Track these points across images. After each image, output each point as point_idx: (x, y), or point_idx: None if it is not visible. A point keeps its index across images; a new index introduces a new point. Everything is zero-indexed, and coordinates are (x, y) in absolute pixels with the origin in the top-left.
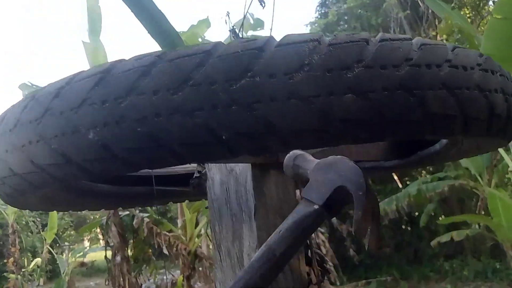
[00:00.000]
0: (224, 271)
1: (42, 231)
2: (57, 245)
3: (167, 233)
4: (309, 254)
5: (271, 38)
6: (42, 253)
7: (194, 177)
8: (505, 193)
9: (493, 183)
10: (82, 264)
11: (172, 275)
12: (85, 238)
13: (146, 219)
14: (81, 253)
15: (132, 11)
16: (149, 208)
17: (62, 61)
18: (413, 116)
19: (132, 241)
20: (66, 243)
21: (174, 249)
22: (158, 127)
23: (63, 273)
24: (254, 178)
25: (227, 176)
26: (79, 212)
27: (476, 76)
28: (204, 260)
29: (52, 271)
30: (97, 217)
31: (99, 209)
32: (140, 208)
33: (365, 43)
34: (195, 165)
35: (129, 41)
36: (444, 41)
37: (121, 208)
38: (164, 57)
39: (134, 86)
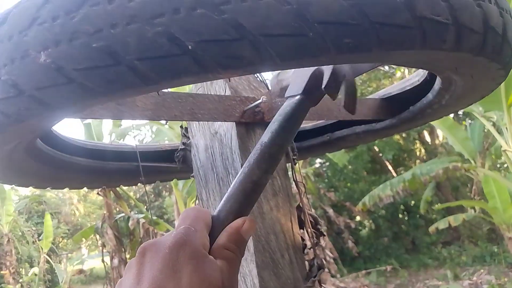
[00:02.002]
0: None
1: (38, 240)
2: (54, 254)
3: (164, 233)
4: (302, 217)
5: None
6: (39, 262)
7: (179, 149)
8: (499, 175)
9: (487, 167)
10: (81, 271)
11: None
12: (83, 246)
13: (142, 220)
14: (79, 261)
15: None
16: (144, 209)
17: None
18: (400, 19)
19: (128, 242)
20: (64, 252)
21: None
22: (115, 40)
23: (62, 281)
24: (239, 137)
25: (211, 140)
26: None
27: None
28: None
29: (50, 281)
30: (94, 223)
31: (82, 187)
32: (135, 210)
33: None
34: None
35: None
36: None
37: (104, 186)
38: None
39: None
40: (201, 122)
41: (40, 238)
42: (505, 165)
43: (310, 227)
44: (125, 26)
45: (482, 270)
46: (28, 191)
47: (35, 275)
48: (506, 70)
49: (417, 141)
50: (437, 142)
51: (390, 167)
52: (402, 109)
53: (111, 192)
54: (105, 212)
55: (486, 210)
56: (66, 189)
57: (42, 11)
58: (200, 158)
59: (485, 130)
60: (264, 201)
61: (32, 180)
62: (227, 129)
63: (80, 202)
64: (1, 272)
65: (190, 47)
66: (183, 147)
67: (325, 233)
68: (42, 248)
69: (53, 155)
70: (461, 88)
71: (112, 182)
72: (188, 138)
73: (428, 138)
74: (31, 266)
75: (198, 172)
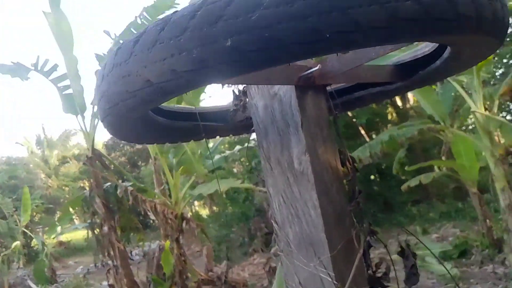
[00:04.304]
0: (275, 177)
1: (16, 214)
2: (29, 228)
3: (153, 200)
4: (342, 157)
5: None
6: (17, 236)
7: (231, 110)
8: (469, 134)
9: (455, 127)
10: (61, 243)
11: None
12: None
13: (130, 188)
14: (58, 232)
15: None
16: (131, 177)
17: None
18: (446, 15)
19: (117, 210)
20: (40, 226)
21: (161, 214)
22: (281, 31)
23: (44, 253)
24: (297, 96)
25: (271, 100)
26: (48, 194)
27: None
28: (191, 222)
29: (27, 255)
30: (67, 198)
31: (158, 142)
32: (122, 178)
33: None
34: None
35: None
36: None
37: (173, 142)
38: None
39: (261, 2)
40: (260, 86)
41: (16, 211)
42: (471, 126)
43: (349, 164)
44: (287, 22)
45: (448, 225)
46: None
47: (16, 248)
48: (500, 42)
49: (389, 106)
50: (408, 106)
51: (363, 131)
52: (413, 73)
53: (97, 161)
54: (93, 181)
55: (453, 170)
56: (40, 163)
57: (226, 11)
58: (259, 115)
59: (454, 94)
60: (318, 145)
61: (132, 137)
62: (286, 91)
63: (51, 177)
64: None
65: (327, 35)
66: (235, 108)
67: (359, 169)
68: (20, 222)
69: (154, 117)
70: (465, 57)
71: (179, 138)
72: (240, 100)
73: (399, 102)
74: (14, 240)
75: (258, 126)
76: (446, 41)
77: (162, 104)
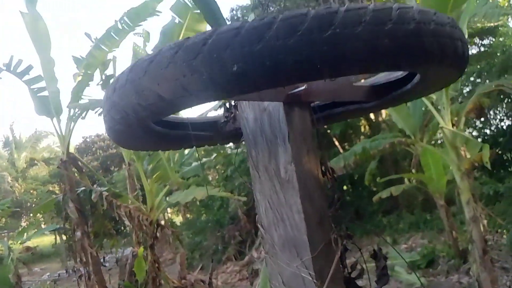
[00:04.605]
0: (263, 183)
1: None
2: None
3: (128, 205)
4: (323, 168)
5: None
6: None
7: (222, 121)
8: (435, 148)
9: (425, 141)
10: (28, 249)
11: (132, 247)
12: (23, 224)
13: (105, 193)
14: (24, 237)
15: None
16: (106, 182)
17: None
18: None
19: (90, 216)
20: (5, 230)
21: (136, 220)
22: (279, 60)
23: (9, 259)
24: (285, 111)
25: (261, 114)
26: (15, 197)
27: (447, 30)
28: (166, 229)
29: None
30: (34, 201)
31: (156, 149)
32: (94, 182)
33: (391, 9)
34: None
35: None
36: None
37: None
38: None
39: (264, 36)
40: (250, 101)
41: None
42: (440, 141)
43: (329, 173)
44: (282, 55)
45: (416, 235)
46: None
47: None
48: (461, 72)
49: (362, 118)
50: (380, 119)
51: (336, 142)
52: (387, 93)
53: (71, 165)
54: (66, 185)
55: (421, 182)
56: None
57: (234, 41)
58: (249, 126)
59: (424, 108)
60: (302, 155)
61: (135, 144)
62: (275, 106)
63: (18, 180)
64: None
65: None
66: (225, 119)
67: (337, 179)
68: None
69: (153, 127)
70: (432, 82)
71: (174, 146)
72: (232, 112)
73: (372, 116)
74: None
75: (248, 137)
76: (414, 71)
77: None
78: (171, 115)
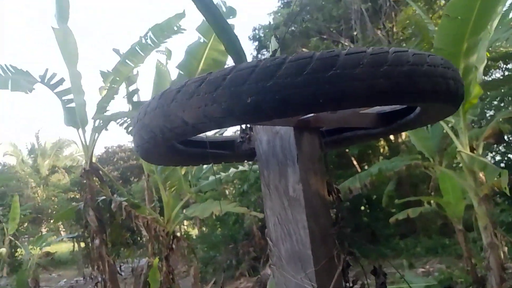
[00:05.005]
0: (273, 200)
1: (4, 221)
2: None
3: (146, 216)
4: (329, 188)
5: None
6: (3, 244)
7: (238, 141)
8: (454, 172)
9: (444, 165)
10: (47, 254)
11: (149, 258)
12: (43, 231)
13: (124, 203)
14: (44, 243)
15: (215, 32)
16: (125, 192)
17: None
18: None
19: (109, 225)
20: (26, 236)
21: (153, 231)
22: (288, 95)
23: (29, 263)
24: (295, 136)
25: (273, 137)
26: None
27: (440, 70)
28: (181, 241)
29: (10, 264)
30: (54, 208)
31: (178, 165)
32: (114, 192)
33: (387, 53)
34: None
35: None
36: (400, 33)
37: (188, 165)
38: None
39: (275, 74)
40: (264, 125)
41: (4, 219)
42: (460, 165)
43: (334, 194)
44: (290, 90)
45: (434, 260)
46: None
47: (1, 256)
48: (456, 107)
49: (382, 139)
50: (400, 140)
51: (355, 162)
52: (392, 121)
53: (93, 174)
54: (87, 194)
55: (440, 206)
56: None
57: (250, 77)
58: (263, 148)
59: (444, 132)
60: (309, 176)
61: (160, 160)
62: (286, 130)
63: (40, 186)
64: None
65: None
66: (241, 140)
67: (342, 198)
68: (7, 230)
69: (176, 145)
70: (431, 114)
71: (193, 162)
72: (247, 134)
73: (391, 137)
74: None
75: (261, 157)
76: (412, 105)
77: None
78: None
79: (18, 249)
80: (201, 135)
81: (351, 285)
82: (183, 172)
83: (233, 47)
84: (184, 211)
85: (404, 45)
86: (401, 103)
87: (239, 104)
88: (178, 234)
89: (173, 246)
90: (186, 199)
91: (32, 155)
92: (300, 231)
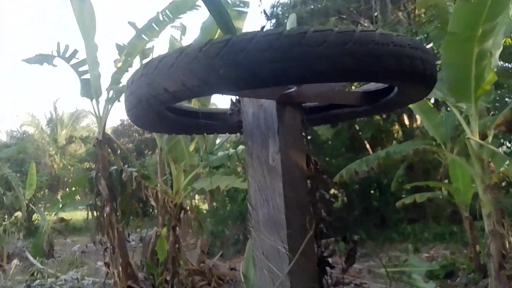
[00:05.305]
0: (255, 169)
1: (21, 187)
2: (32, 203)
3: (155, 187)
4: (308, 160)
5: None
6: (20, 208)
7: (228, 113)
8: (465, 160)
9: (455, 152)
10: (62, 220)
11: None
12: (59, 198)
13: (135, 174)
14: (59, 208)
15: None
16: (136, 163)
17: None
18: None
19: (119, 194)
20: (42, 202)
21: (161, 202)
22: (257, 68)
23: (44, 228)
24: (277, 109)
25: (258, 109)
26: (53, 172)
27: (407, 50)
28: (188, 213)
29: (26, 228)
30: (70, 177)
31: (168, 132)
32: (127, 163)
33: (353, 32)
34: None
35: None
36: (422, 15)
37: (180, 133)
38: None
39: (246, 48)
40: (251, 98)
41: (21, 185)
42: None
43: (313, 165)
44: (260, 64)
45: (440, 246)
46: (10, 138)
47: (17, 220)
48: (429, 91)
49: (396, 123)
50: (415, 125)
51: (368, 146)
52: (376, 100)
53: (106, 145)
54: (100, 163)
55: (451, 193)
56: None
57: (222, 51)
58: (248, 120)
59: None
60: (289, 147)
61: (152, 127)
62: (269, 103)
63: (58, 155)
64: None
65: None
66: (231, 111)
67: (323, 172)
68: (24, 195)
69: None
70: (407, 93)
71: (185, 131)
72: (236, 106)
73: (407, 121)
74: (15, 211)
75: (246, 128)
76: (378, 82)
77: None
78: (185, 105)
79: (35, 215)
80: (193, 106)
81: (323, 250)
82: (192, 147)
83: (222, 20)
84: (193, 184)
85: (424, 27)
86: (366, 81)
87: (212, 75)
88: (187, 206)
89: (180, 217)
90: (194, 173)
91: (50, 125)
92: (277, 198)
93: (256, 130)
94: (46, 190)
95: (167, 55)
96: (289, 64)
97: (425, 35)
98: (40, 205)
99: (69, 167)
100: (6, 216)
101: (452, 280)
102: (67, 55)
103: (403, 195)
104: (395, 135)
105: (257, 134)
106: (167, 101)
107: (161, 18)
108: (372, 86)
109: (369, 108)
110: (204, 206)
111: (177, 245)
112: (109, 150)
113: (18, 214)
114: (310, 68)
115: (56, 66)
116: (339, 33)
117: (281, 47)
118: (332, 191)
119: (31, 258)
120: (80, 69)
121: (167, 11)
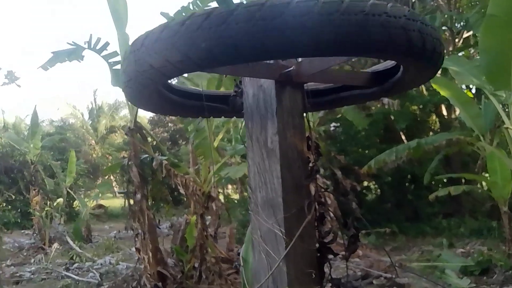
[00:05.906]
0: (254, 151)
1: (63, 174)
2: (73, 190)
3: (184, 175)
4: (309, 142)
5: None
6: (61, 195)
7: (231, 95)
8: (504, 153)
9: (494, 144)
10: (100, 206)
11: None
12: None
13: (165, 162)
14: (98, 195)
15: None
16: (166, 152)
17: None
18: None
19: (150, 181)
20: (82, 189)
21: (190, 189)
22: (238, 41)
23: (83, 214)
24: (276, 89)
25: (258, 90)
26: (93, 160)
27: (402, 21)
28: (216, 201)
29: (67, 214)
30: (108, 165)
31: (171, 114)
32: (159, 152)
33: (341, 2)
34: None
35: None
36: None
37: (184, 116)
38: None
39: (226, 21)
40: (251, 78)
41: (62, 172)
42: None
43: (313, 147)
44: (240, 36)
45: (476, 241)
46: (54, 128)
47: (58, 205)
48: (435, 69)
49: (434, 114)
50: (453, 116)
51: (403, 137)
52: (384, 80)
53: (138, 134)
54: (131, 151)
55: (489, 187)
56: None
57: (204, 23)
58: (248, 101)
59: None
60: (287, 129)
61: (151, 107)
62: (269, 84)
63: (98, 143)
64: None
65: None
66: (234, 94)
67: (321, 153)
68: (64, 182)
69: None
70: (413, 72)
71: (188, 113)
72: (239, 88)
73: (444, 112)
74: (57, 197)
75: (247, 110)
76: (367, 57)
77: (177, 84)
78: (189, 87)
79: (75, 201)
80: (197, 88)
81: (323, 235)
82: (220, 136)
83: None
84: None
85: (465, 14)
86: (356, 55)
87: (193, 49)
88: (216, 195)
89: (208, 205)
90: (221, 162)
91: (91, 115)
92: (274, 180)
93: (255, 112)
94: (86, 178)
95: (152, 31)
96: (270, 37)
97: (464, 22)
98: (80, 191)
99: (107, 155)
100: (48, 202)
101: (488, 277)
102: (98, 46)
103: (439, 188)
104: (432, 126)
105: (256, 116)
106: (153, 78)
107: (191, 7)
108: (380, 66)
109: (378, 90)
110: (236, 196)
111: (205, 233)
112: (141, 138)
113: (60, 200)
114: (292, 41)
115: (83, 58)
116: (325, 3)
117: (262, 18)
118: (365, 183)
119: (70, 242)
120: (111, 60)
121: (197, 1)
